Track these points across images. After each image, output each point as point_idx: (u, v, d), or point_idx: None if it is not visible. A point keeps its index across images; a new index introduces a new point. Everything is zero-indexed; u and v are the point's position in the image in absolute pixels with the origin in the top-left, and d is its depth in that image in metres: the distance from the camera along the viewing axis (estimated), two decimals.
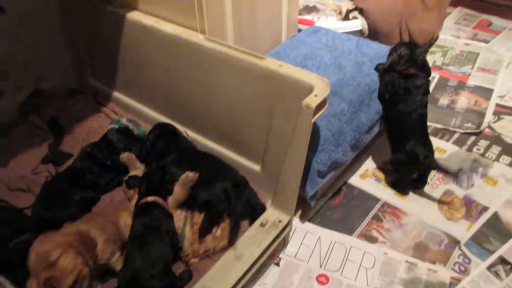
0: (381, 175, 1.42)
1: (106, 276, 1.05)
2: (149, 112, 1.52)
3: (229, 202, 1.11)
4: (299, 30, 1.69)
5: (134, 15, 1.36)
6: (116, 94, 1.62)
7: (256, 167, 1.25)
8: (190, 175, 1.11)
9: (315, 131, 1.19)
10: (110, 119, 1.56)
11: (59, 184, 1.23)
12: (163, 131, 1.33)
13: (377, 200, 1.34)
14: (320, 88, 1.02)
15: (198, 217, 1.12)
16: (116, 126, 1.38)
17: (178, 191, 1.12)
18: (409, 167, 1.32)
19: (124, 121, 1.45)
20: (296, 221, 1.26)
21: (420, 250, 1.19)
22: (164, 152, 1.26)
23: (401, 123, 1.31)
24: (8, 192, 1.30)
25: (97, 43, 1.57)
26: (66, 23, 1.62)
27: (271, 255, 1.12)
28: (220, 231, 1.11)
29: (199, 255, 1.08)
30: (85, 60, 1.68)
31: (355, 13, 1.74)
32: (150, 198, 1.09)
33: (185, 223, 1.12)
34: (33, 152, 1.43)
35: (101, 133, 1.41)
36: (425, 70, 1.35)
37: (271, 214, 1.13)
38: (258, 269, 1.05)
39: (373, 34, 1.70)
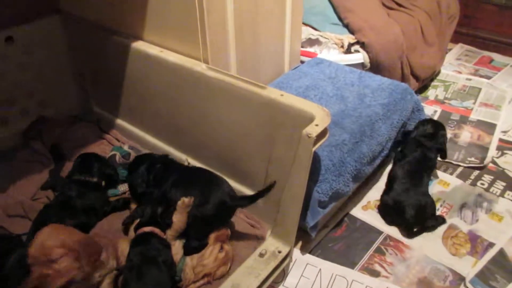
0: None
1: None
2: (151, 140, 1.53)
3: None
4: (302, 62, 1.72)
5: (139, 45, 1.39)
6: (119, 122, 1.63)
7: None
8: (185, 200, 1.09)
9: (316, 161, 1.18)
10: (112, 146, 1.56)
11: (51, 210, 1.21)
12: (151, 161, 1.29)
13: (379, 232, 1.31)
14: (320, 117, 1.02)
15: None
16: (117, 153, 1.38)
17: (178, 219, 1.10)
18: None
19: (126, 147, 1.46)
20: (296, 252, 1.24)
21: (424, 285, 1.15)
22: (158, 180, 1.24)
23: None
24: (6, 218, 1.29)
25: (102, 72, 1.60)
26: (72, 52, 1.65)
27: (270, 286, 1.09)
28: (224, 253, 1.09)
29: (200, 280, 1.06)
30: (90, 88, 1.70)
31: (357, 47, 1.76)
32: (147, 229, 1.07)
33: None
34: (33, 178, 1.43)
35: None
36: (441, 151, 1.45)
37: (271, 244, 1.10)
38: None
39: (375, 67, 1.72)
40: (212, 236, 1.11)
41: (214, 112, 1.25)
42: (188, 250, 1.10)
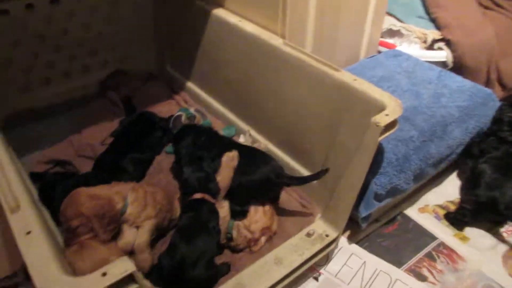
0: (442, 213, 1.33)
1: None
2: (218, 107, 1.56)
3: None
4: (379, 52, 1.66)
5: (219, 12, 1.41)
6: (190, 85, 1.68)
7: None
8: (230, 155, 1.12)
9: (379, 152, 1.15)
10: (179, 107, 1.62)
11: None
12: (196, 133, 1.29)
13: (433, 238, 1.26)
14: (392, 108, 0.99)
15: None
16: (184, 114, 1.43)
17: (223, 176, 1.12)
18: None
19: (192, 110, 1.50)
20: (343, 240, 1.22)
21: None
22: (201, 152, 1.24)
23: None
24: (75, 157, 1.39)
25: (180, 34, 1.64)
26: (155, 11, 1.71)
27: (311, 267, 1.09)
28: (268, 207, 1.13)
29: (262, 238, 1.08)
30: (166, 49, 1.76)
31: (441, 44, 1.67)
32: (198, 195, 1.09)
33: None
34: (105, 125, 1.52)
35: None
36: None
37: (319, 226, 1.10)
38: (296, 278, 1.03)
39: (458, 68, 1.62)
40: None
41: (284, 87, 1.25)
42: (232, 213, 1.13)
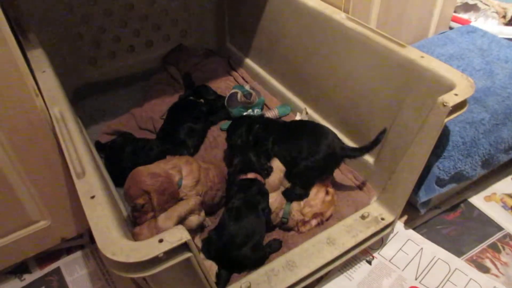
0: (511, 204, 1.24)
1: None
2: (275, 84, 1.55)
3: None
4: (450, 28, 1.54)
5: None
6: (248, 61, 1.68)
7: (370, 159, 1.19)
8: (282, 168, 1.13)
9: (445, 134, 1.08)
10: (237, 83, 1.62)
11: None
12: (250, 122, 1.25)
13: (499, 228, 1.18)
14: (462, 87, 0.92)
15: None
16: (239, 91, 1.43)
17: (274, 176, 1.11)
18: None
19: (247, 87, 1.50)
20: (399, 225, 1.18)
21: None
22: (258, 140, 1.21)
23: None
24: (137, 130, 1.44)
25: (241, 10, 1.63)
26: None
27: (364, 251, 1.07)
28: (330, 197, 1.10)
29: (312, 221, 1.08)
30: (227, 25, 1.76)
31: None
32: (251, 175, 1.09)
33: None
34: (165, 99, 1.56)
35: (226, 94, 1.48)
36: None
37: (375, 209, 1.07)
38: (347, 260, 1.01)
39: None
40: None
41: (345, 64, 1.21)
42: (292, 197, 1.11)
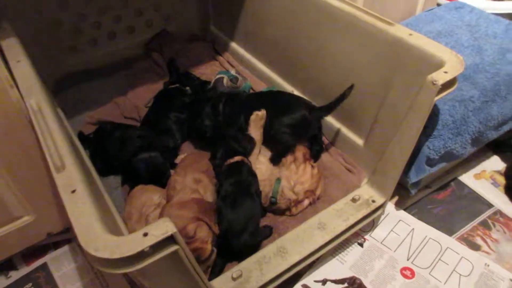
0: (500, 180, 1.24)
1: None
2: (262, 67, 1.51)
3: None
4: (438, 5, 1.52)
5: None
6: (234, 45, 1.64)
7: (359, 141, 1.17)
8: (259, 114, 1.11)
9: (434, 113, 1.07)
10: (223, 68, 1.59)
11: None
12: (213, 99, 1.27)
13: (489, 205, 1.18)
14: (452, 65, 0.90)
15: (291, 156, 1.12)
16: (225, 76, 1.40)
17: (253, 134, 1.11)
18: None
19: (233, 72, 1.46)
20: (390, 206, 1.17)
21: None
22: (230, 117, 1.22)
23: None
24: (122, 119, 1.41)
25: None
26: None
27: (356, 233, 1.06)
28: (316, 170, 1.10)
29: (304, 200, 1.07)
30: (211, 9, 1.71)
31: None
32: (238, 158, 1.07)
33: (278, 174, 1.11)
34: (149, 87, 1.52)
35: (212, 79, 1.45)
36: None
37: (365, 191, 1.05)
38: (340, 244, 1.00)
39: None
40: (300, 155, 1.11)
41: (332, 45, 1.18)
42: (275, 159, 1.13)
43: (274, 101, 1.20)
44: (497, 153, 1.31)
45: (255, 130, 1.13)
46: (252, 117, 1.13)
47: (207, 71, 1.59)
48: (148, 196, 1.07)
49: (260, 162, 1.12)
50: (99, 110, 1.42)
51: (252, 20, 1.48)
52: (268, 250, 0.93)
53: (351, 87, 1.07)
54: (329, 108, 1.11)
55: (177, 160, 1.21)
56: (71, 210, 0.63)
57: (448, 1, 1.50)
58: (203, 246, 0.91)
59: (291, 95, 1.22)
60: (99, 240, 0.60)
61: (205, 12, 1.75)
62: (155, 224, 0.63)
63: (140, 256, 0.60)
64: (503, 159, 1.29)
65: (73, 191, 0.66)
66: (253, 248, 0.97)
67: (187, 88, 1.42)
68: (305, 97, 1.33)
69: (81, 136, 1.27)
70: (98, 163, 1.15)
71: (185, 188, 1.03)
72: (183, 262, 0.69)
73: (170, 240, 0.63)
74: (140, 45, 1.69)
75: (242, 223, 0.96)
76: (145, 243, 0.60)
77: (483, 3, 1.50)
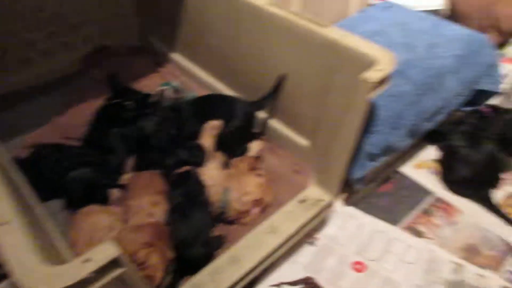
0: (438, 168, 1.31)
1: None
2: (205, 76, 1.50)
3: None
4: (370, 5, 1.58)
5: None
6: (175, 56, 1.62)
7: (304, 142, 1.20)
8: (215, 123, 1.14)
9: (372, 110, 1.11)
10: (165, 80, 1.57)
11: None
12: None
13: (429, 193, 1.24)
14: (384, 62, 0.94)
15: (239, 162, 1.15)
16: (167, 88, 1.38)
17: (206, 143, 1.12)
18: None
19: (176, 83, 1.45)
20: (339, 203, 1.21)
21: (470, 252, 1.09)
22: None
23: None
24: (62, 140, 1.35)
25: (162, 3, 1.57)
26: None
27: (307, 234, 1.08)
28: (263, 178, 1.11)
29: (254, 209, 1.07)
30: (149, 19, 1.69)
31: None
32: (186, 168, 1.07)
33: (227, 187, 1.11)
34: (90, 104, 1.47)
35: (155, 92, 1.43)
36: None
37: (313, 191, 1.08)
38: (292, 246, 1.02)
39: (454, 15, 1.55)
40: (245, 166, 1.12)
41: (271, 50, 1.19)
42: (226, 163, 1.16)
43: (217, 105, 1.24)
44: (433, 142, 1.38)
45: (208, 139, 1.13)
46: (206, 125, 1.14)
47: (150, 83, 1.56)
48: (96, 218, 1.03)
49: (209, 168, 1.12)
50: (38, 132, 1.36)
51: (191, 30, 1.48)
52: (220, 260, 0.93)
53: (283, 77, 1.14)
54: (267, 98, 1.19)
55: (124, 180, 1.17)
56: (2, 244, 0.60)
57: (379, 1, 1.57)
58: (154, 274, 0.88)
59: (231, 96, 1.28)
60: (36, 273, 0.57)
61: (144, 24, 1.72)
62: (97, 248, 0.61)
63: (84, 283, 0.58)
64: (438, 148, 1.36)
65: (2, 224, 0.63)
66: (207, 259, 0.96)
67: (130, 103, 1.39)
68: None
69: (18, 161, 1.20)
70: (38, 187, 1.10)
71: (141, 212, 1.01)
72: (132, 284, 0.67)
73: (114, 263, 0.61)
74: (78, 62, 1.63)
75: (193, 234, 0.95)
76: (86, 270, 0.58)
77: (411, 1, 1.58)
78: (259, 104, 1.23)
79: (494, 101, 1.42)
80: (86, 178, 1.10)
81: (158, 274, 0.89)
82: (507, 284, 1.02)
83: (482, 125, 1.31)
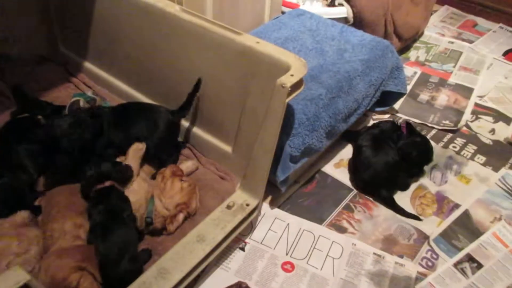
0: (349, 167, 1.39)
1: None
2: (120, 85, 1.45)
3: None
4: (283, 13, 1.64)
5: None
6: (88, 65, 1.54)
7: (228, 148, 1.21)
8: (139, 145, 1.11)
9: (290, 114, 1.15)
10: (79, 91, 1.48)
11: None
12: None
13: (349, 190, 1.31)
14: (296, 68, 0.98)
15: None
16: (81, 99, 1.31)
17: (132, 164, 1.08)
18: None
19: (90, 93, 1.38)
20: (265, 206, 1.22)
21: (389, 243, 1.17)
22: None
23: None
24: None
25: (69, 10, 1.49)
26: None
27: (236, 239, 1.08)
28: (187, 183, 1.10)
29: (179, 215, 1.06)
30: (57, 27, 1.59)
31: (341, 0, 1.69)
32: (107, 183, 1.01)
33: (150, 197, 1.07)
34: None
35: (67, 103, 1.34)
36: None
37: (239, 197, 1.08)
38: (222, 252, 1.01)
39: (358, 22, 1.66)
40: (168, 172, 1.11)
41: (187, 57, 1.19)
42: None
43: (139, 115, 1.21)
44: (349, 141, 1.46)
45: (134, 161, 1.09)
46: (133, 147, 1.11)
47: (62, 95, 1.48)
48: (3, 244, 0.93)
49: (133, 183, 1.07)
50: None
51: (104, 39, 1.42)
52: (147, 275, 0.89)
53: (199, 81, 1.16)
54: (186, 106, 1.20)
55: (38, 201, 1.08)
56: None
57: (291, 9, 1.63)
58: None
59: (152, 105, 1.27)
60: None
61: (52, 33, 1.61)
62: (3, 275, 0.56)
63: None
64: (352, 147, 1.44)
65: None
66: (134, 274, 0.92)
67: (39, 117, 1.29)
68: None
69: None
70: None
71: (65, 235, 0.94)
72: None
73: None
74: None
75: (116, 251, 0.91)
76: None
77: (320, 9, 1.67)
78: (180, 113, 1.22)
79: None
80: None
81: None
82: (424, 270, 1.11)
83: (390, 133, 1.38)
